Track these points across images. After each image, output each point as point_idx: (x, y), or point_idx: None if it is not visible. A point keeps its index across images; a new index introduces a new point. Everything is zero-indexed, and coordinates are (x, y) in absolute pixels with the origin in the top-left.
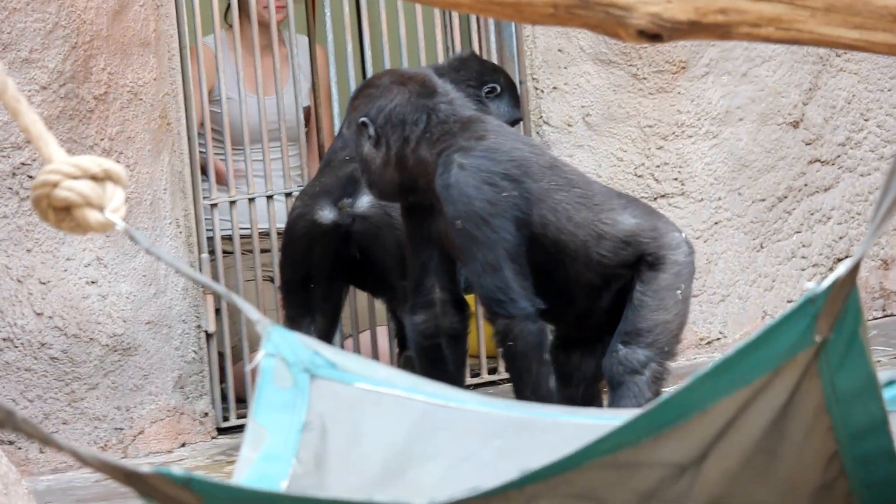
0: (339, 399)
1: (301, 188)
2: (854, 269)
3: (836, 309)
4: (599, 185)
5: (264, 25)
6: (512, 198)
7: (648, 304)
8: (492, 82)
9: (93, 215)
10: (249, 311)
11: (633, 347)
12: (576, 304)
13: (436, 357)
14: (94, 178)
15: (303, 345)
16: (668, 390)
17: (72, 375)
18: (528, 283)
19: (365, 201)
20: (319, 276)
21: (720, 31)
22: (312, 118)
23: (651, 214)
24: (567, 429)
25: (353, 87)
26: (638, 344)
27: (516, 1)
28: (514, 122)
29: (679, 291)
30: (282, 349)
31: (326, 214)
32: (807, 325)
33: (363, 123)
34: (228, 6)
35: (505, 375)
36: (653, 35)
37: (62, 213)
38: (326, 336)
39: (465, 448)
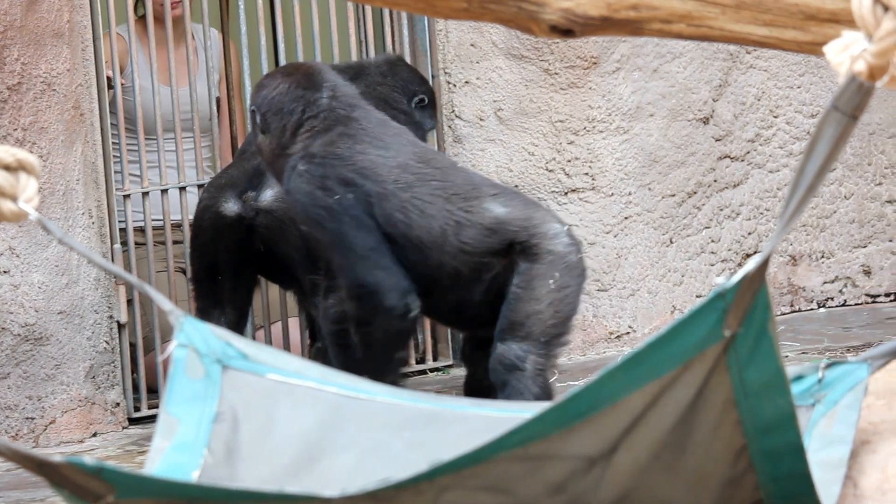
0: (251, 390)
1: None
2: (763, 265)
3: (746, 304)
4: (471, 175)
5: (173, 19)
6: (346, 200)
7: (520, 295)
8: (421, 93)
9: (6, 205)
10: (162, 301)
11: (508, 343)
12: (447, 295)
13: (344, 342)
14: (7, 167)
15: (215, 336)
16: (577, 384)
17: None
18: (388, 273)
19: (269, 195)
20: (226, 268)
21: (632, 27)
22: (224, 109)
23: (528, 206)
24: (477, 421)
25: None
26: (513, 339)
27: None
28: (429, 131)
29: (552, 281)
30: (194, 340)
31: (231, 207)
32: (716, 320)
33: (252, 111)
34: None
35: (433, 364)
36: (565, 30)
37: None
38: (237, 328)
39: (375, 439)
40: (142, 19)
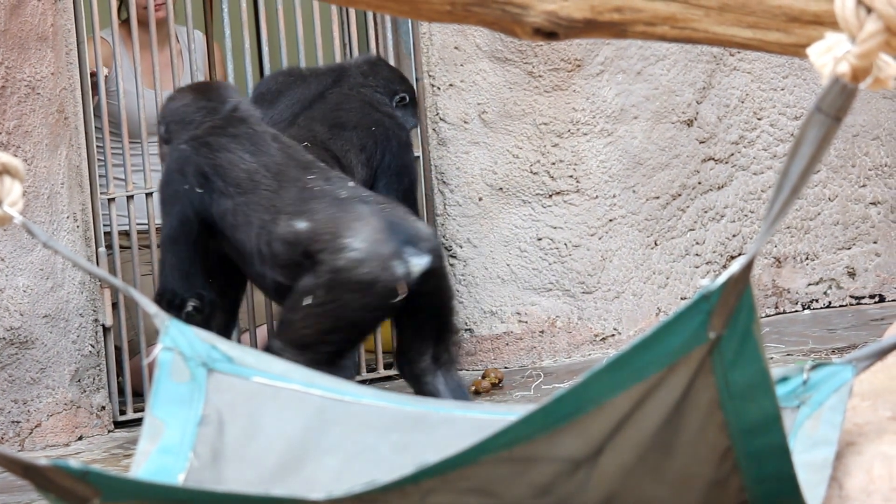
0: (237, 393)
1: None
2: (748, 267)
3: (730, 306)
4: (306, 190)
5: (157, 22)
6: (192, 193)
7: (288, 300)
8: (402, 92)
9: None
10: (147, 304)
11: (270, 341)
12: (278, 301)
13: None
14: None
15: (200, 339)
16: (562, 386)
17: None
18: (188, 270)
19: None
20: (216, 271)
21: (616, 29)
22: None
23: (335, 220)
24: (462, 424)
25: (250, 83)
26: (274, 338)
27: None
28: (412, 129)
29: (311, 297)
30: (179, 343)
31: None
32: (701, 322)
33: (158, 123)
34: (122, 1)
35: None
36: (549, 33)
37: None
38: (225, 331)
39: (361, 442)
40: (125, 23)
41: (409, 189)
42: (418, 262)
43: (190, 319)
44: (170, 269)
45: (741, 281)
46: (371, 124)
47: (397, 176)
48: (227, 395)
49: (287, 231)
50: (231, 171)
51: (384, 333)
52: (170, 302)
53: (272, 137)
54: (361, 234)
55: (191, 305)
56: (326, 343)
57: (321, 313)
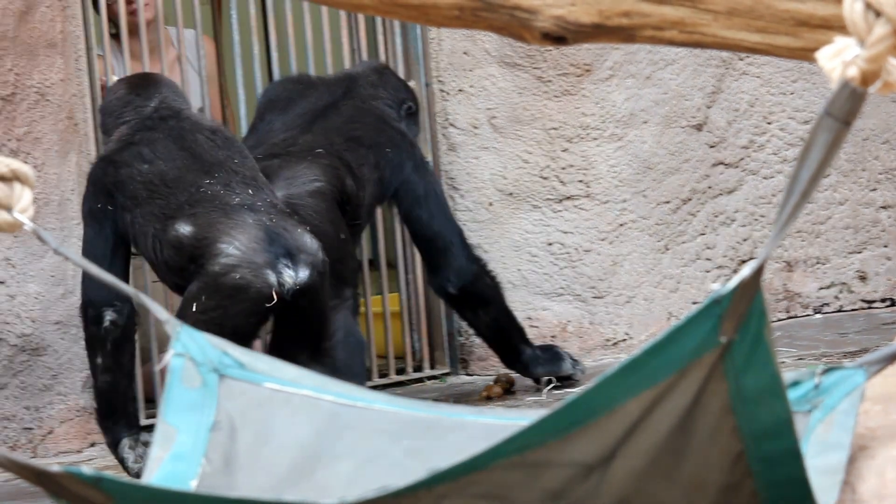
0: (248, 399)
1: None
2: (759, 271)
3: (741, 310)
4: (197, 194)
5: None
6: (104, 210)
7: (178, 308)
8: (409, 101)
9: (1, 216)
10: (158, 311)
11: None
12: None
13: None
14: (1, 178)
15: (211, 345)
16: (575, 391)
17: None
18: (95, 283)
19: None
20: None
21: (624, 34)
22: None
23: (215, 224)
24: (474, 428)
25: (259, 88)
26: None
27: (422, 3)
28: (415, 137)
29: (195, 304)
30: (190, 349)
31: None
32: (712, 326)
33: (99, 112)
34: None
35: (431, 372)
36: (557, 37)
37: None
38: None
39: (373, 448)
40: (116, 37)
41: (439, 210)
42: (292, 275)
43: (108, 333)
44: (88, 282)
45: (752, 285)
46: (386, 144)
47: (423, 202)
48: (238, 401)
49: (173, 236)
50: (129, 185)
51: (395, 339)
52: (85, 313)
53: (181, 136)
54: (237, 242)
55: (107, 319)
56: None
57: (206, 321)
